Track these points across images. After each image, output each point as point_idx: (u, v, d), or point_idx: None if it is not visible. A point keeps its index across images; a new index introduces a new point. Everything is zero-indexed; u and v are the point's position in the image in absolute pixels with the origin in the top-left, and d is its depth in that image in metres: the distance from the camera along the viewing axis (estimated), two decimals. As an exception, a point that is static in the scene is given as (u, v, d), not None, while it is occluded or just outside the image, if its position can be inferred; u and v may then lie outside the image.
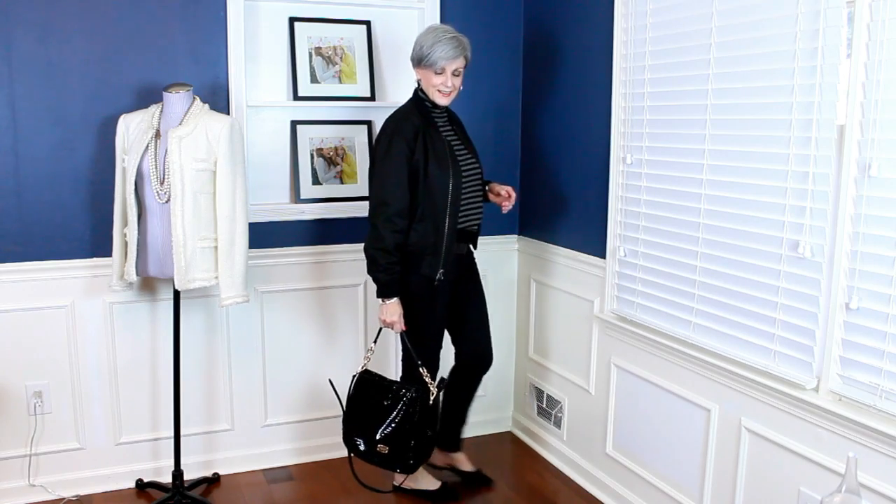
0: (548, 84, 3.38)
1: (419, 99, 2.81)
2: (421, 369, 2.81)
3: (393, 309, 2.79)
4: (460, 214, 2.82)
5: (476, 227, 2.94)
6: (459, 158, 2.82)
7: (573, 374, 3.29)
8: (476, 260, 3.07)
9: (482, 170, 2.93)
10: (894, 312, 1.92)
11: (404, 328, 2.81)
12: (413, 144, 2.71)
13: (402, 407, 2.76)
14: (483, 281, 3.11)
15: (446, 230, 2.76)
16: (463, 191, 2.80)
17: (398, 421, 2.76)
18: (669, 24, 2.61)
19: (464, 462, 3.22)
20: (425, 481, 3.10)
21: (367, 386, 2.85)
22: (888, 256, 1.93)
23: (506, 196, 2.98)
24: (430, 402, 2.77)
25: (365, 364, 2.90)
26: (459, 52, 2.72)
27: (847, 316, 2.05)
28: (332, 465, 3.41)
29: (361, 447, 2.82)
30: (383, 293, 2.78)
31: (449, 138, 2.84)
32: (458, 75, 2.76)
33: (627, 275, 2.89)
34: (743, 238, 2.34)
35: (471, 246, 2.98)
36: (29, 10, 2.80)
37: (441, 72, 2.72)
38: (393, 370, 3.54)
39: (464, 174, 2.82)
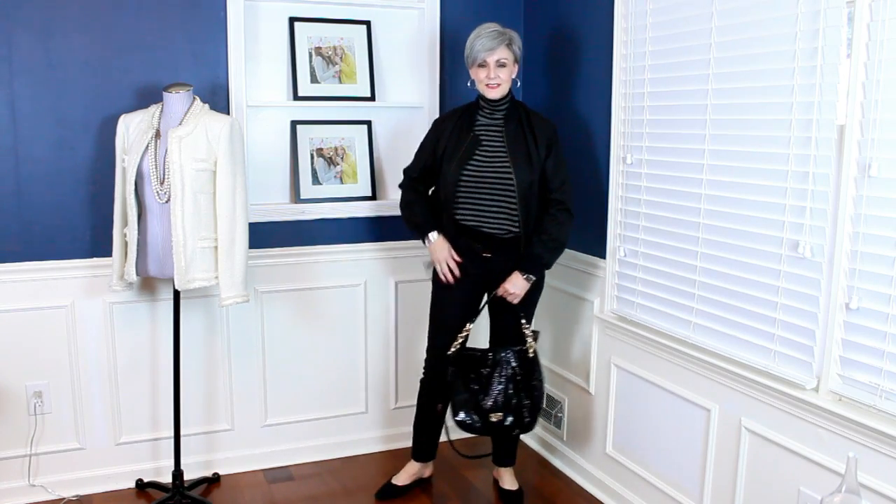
0: (548, 84, 3.38)
1: (478, 97, 2.86)
2: (522, 321, 2.86)
3: (437, 246, 2.86)
4: (465, 212, 2.81)
5: (494, 231, 2.81)
6: (479, 156, 2.79)
7: (573, 374, 3.29)
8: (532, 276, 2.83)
9: (516, 178, 2.74)
10: (894, 312, 1.92)
11: (458, 259, 2.83)
12: (443, 131, 2.87)
13: (502, 370, 2.82)
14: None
15: (444, 219, 2.87)
16: (465, 188, 2.79)
17: (503, 384, 2.82)
18: (669, 23, 2.61)
19: (506, 479, 3.14)
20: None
21: (462, 363, 2.85)
22: (888, 256, 1.93)
23: (504, 291, 2.83)
24: (531, 355, 2.84)
25: (456, 346, 2.84)
26: (499, 43, 2.71)
27: (847, 316, 2.05)
28: (332, 465, 3.41)
29: (476, 423, 2.83)
30: (419, 233, 2.91)
31: (484, 136, 2.81)
32: (503, 66, 2.74)
33: (627, 275, 2.89)
34: (743, 238, 2.34)
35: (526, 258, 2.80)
36: (29, 10, 2.80)
37: (483, 64, 2.74)
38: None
39: (472, 172, 2.79)
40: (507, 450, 3.13)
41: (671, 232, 2.65)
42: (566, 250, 3.27)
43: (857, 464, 1.69)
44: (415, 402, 3.47)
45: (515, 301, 2.82)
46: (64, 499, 3.05)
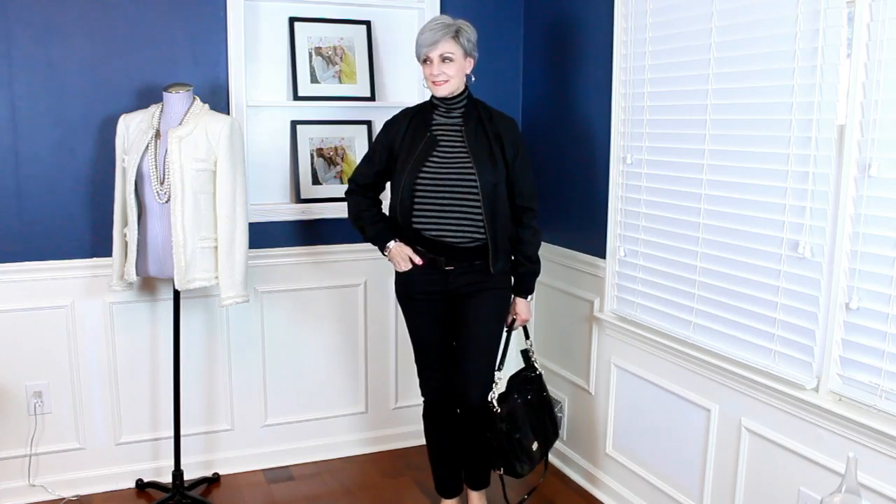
0: (548, 84, 3.38)
1: (431, 96, 2.67)
2: (528, 342, 2.87)
3: (396, 253, 2.65)
4: (424, 219, 2.60)
5: (457, 240, 2.60)
6: (437, 157, 2.59)
7: (573, 374, 3.29)
8: (491, 286, 2.67)
9: (479, 180, 2.55)
10: (894, 312, 1.92)
11: (420, 262, 2.63)
12: (397, 132, 2.67)
13: (522, 401, 2.76)
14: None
15: (402, 230, 2.66)
16: (423, 193, 2.58)
17: (529, 414, 2.76)
18: (669, 24, 2.61)
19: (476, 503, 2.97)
20: None
21: (511, 419, 2.73)
22: (888, 256, 1.93)
23: (512, 321, 2.79)
24: (539, 372, 2.86)
25: (494, 400, 2.69)
26: (442, 35, 2.52)
27: (847, 316, 2.05)
28: (332, 465, 3.41)
29: (528, 466, 2.75)
30: (377, 245, 2.70)
31: (442, 135, 2.62)
32: (448, 60, 2.54)
33: (627, 275, 2.89)
34: (743, 238, 2.34)
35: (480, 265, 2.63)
36: (29, 10, 2.80)
37: (426, 60, 2.56)
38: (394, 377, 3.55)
39: (430, 174, 2.58)
40: (478, 473, 2.91)
41: (671, 232, 2.65)
42: (566, 250, 3.28)
43: (857, 464, 1.69)
44: (414, 402, 3.48)
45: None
46: (64, 499, 3.05)
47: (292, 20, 3.22)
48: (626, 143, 2.85)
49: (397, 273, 2.73)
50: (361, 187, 2.75)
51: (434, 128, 2.65)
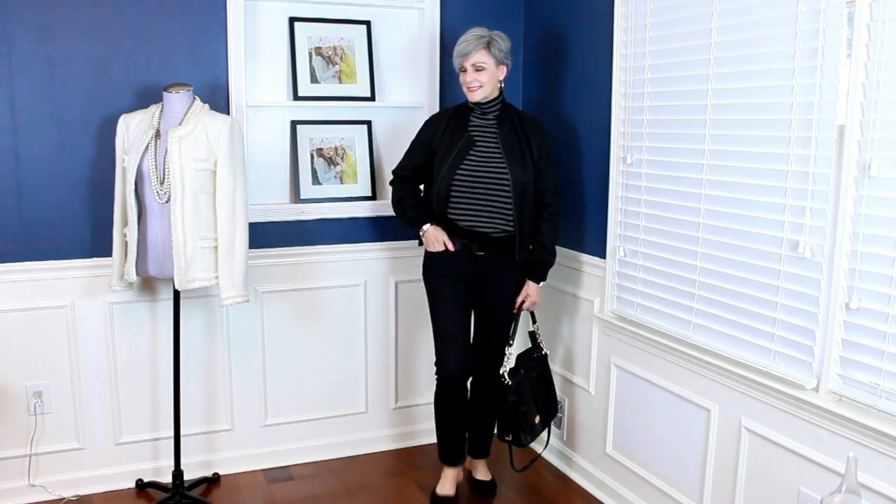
0: (548, 84, 3.38)
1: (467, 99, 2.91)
2: (535, 325, 3.03)
3: (431, 234, 2.87)
4: (459, 211, 2.84)
5: (488, 230, 2.85)
6: (474, 156, 2.82)
7: (573, 374, 3.29)
8: (512, 270, 2.92)
9: (511, 178, 2.79)
10: (894, 312, 1.92)
11: (453, 248, 2.85)
12: (436, 131, 2.90)
13: (528, 376, 2.95)
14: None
15: (438, 218, 2.90)
16: (459, 187, 2.82)
17: (534, 389, 2.95)
18: (669, 24, 2.61)
19: (480, 470, 3.21)
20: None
21: (519, 391, 2.92)
22: (888, 256, 1.93)
23: (521, 302, 2.95)
24: (545, 352, 3.05)
25: (506, 372, 2.90)
26: (473, 46, 2.76)
27: (847, 316, 2.05)
28: (331, 465, 3.41)
29: (530, 437, 2.95)
30: (415, 226, 2.92)
31: (478, 136, 2.85)
32: (481, 69, 2.78)
33: (627, 275, 2.89)
34: (743, 238, 2.34)
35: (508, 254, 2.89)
36: (29, 10, 2.80)
37: (461, 69, 2.81)
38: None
39: (467, 172, 2.82)
40: (482, 443, 3.17)
41: (671, 232, 2.65)
42: (566, 250, 3.28)
43: (857, 464, 1.69)
44: (414, 402, 3.49)
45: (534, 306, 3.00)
46: (64, 499, 3.05)
47: (292, 20, 3.22)
48: (626, 143, 2.85)
49: (428, 253, 2.95)
50: (402, 178, 3.00)
51: (471, 129, 2.88)
